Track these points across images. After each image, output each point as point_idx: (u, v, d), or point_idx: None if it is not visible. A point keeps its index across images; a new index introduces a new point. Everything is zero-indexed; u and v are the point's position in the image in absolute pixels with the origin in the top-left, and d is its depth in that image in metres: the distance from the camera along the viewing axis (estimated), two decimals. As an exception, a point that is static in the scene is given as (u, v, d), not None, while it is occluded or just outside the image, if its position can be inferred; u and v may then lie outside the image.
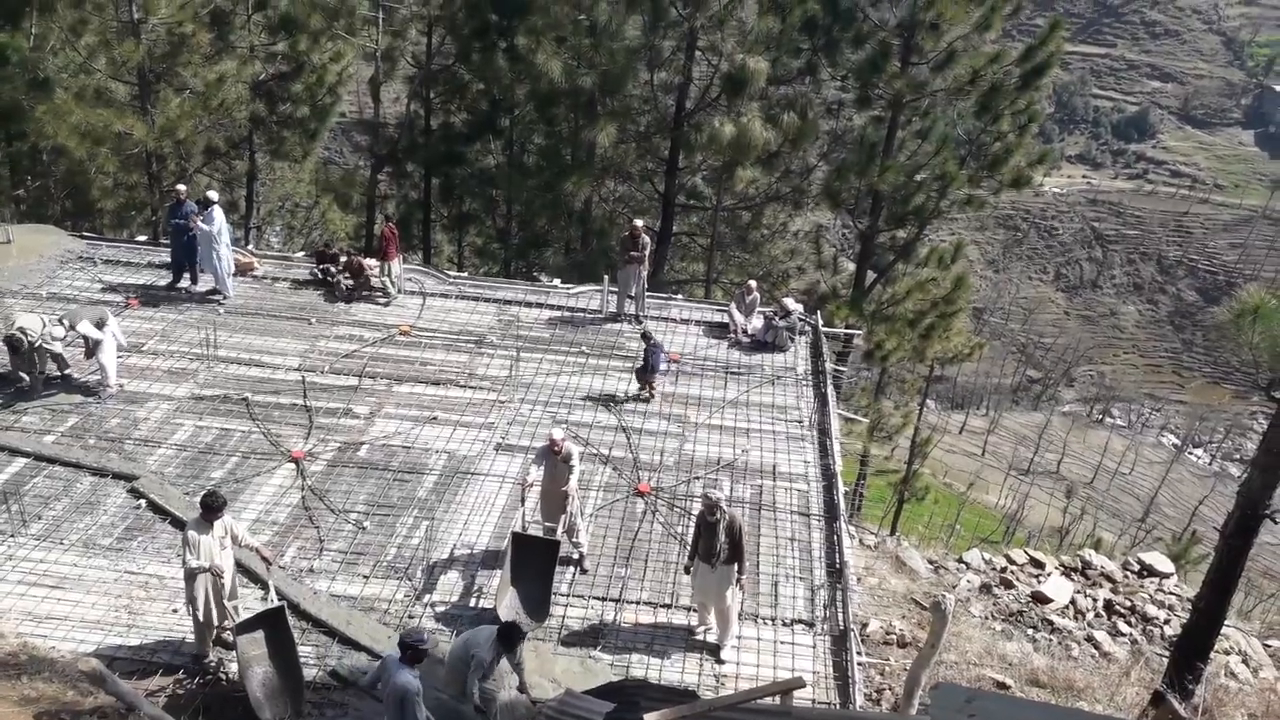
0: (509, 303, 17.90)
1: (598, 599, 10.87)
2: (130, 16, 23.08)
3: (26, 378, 13.66)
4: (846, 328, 20.97)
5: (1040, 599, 16.67)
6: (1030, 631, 15.43)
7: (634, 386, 15.11)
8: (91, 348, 13.68)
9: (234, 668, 9.14)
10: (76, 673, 8.04)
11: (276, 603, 9.34)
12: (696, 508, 12.12)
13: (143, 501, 11.78)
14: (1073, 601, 16.86)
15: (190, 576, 9.03)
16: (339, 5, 25.54)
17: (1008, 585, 17.25)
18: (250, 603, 9.74)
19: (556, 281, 19.78)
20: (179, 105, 23.96)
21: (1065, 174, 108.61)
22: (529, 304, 17.92)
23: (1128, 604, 16.92)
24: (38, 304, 15.83)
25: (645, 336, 15.21)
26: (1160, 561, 19.08)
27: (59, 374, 14.03)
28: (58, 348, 13.73)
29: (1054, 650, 14.54)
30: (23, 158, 27.97)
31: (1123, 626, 16.26)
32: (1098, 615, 16.65)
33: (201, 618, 9.18)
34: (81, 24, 24.08)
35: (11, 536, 11.06)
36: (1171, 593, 17.67)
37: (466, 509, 12.27)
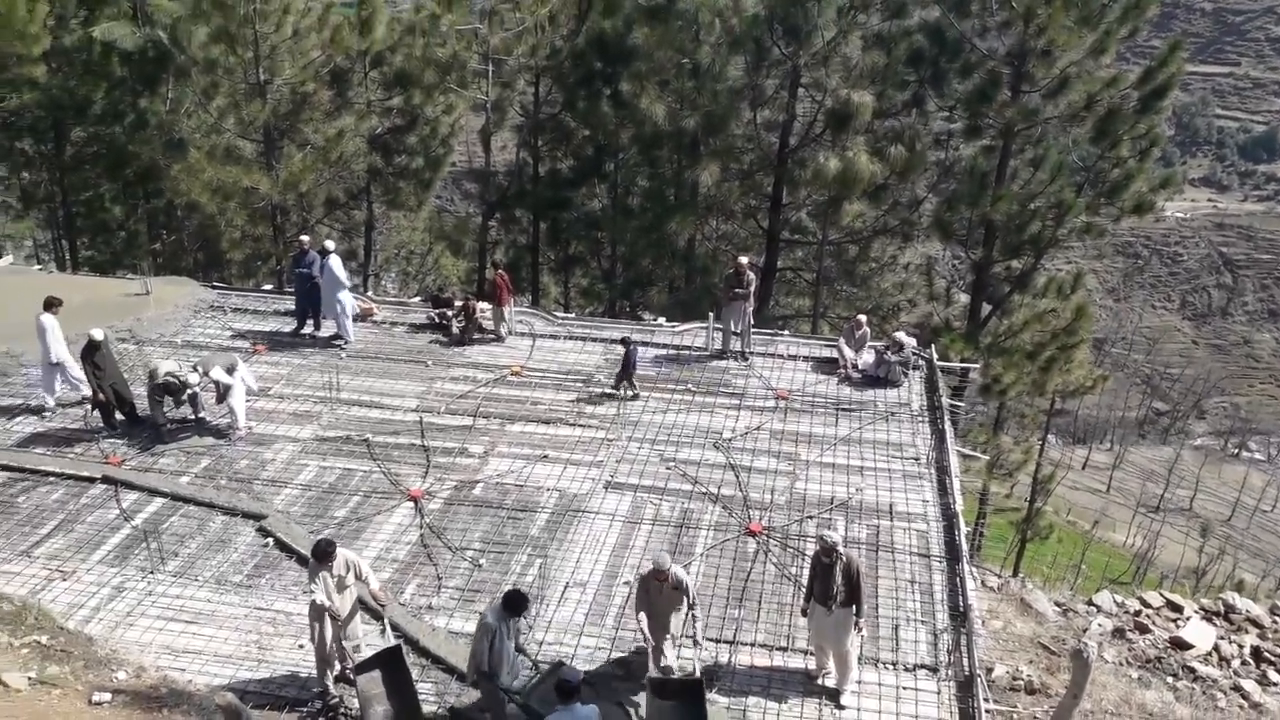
0: (616, 342, 18.03)
1: (711, 640, 10.72)
2: (257, 78, 24.45)
3: (167, 420, 14.41)
4: (962, 361, 20.40)
5: (1179, 644, 15.71)
6: (1170, 679, 14.55)
7: (738, 421, 15.03)
8: (222, 393, 14.35)
9: (355, 704, 9.33)
10: (213, 706, 8.34)
11: (394, 641, 9.52)
12: (810, 548, 11.92)
13: (270, 540, 12.22)
14: (1216, 648, 15.83)
15: (314, 612, 9.31)
16: (451, 60, 26.52)
17: (1143, 630, 16.32)
18: (373, 638, 9.96)
19: (661, 320, 19.88)
20: (301, 160, 25.18)
21: (1189, 198, 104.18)
22: (635, 343, 18.00)
23: (1278, 651, 15.80)
24: (173, 351, 16.73)
25: (624, 341, 16.02)
26: (1313, 606, 17.78)
27: (194, 417, 14.75)
28: (196, 390, 14.47)
29: (1198, 700, 13.67)
30: (159, 214, 29.87)
31: (1273, 675, 15.17)
32: (1244, 663, 15.59)
33: (321, 654, 9.43)
34: (213, 87, 25.66)
35: (151, 573, 11.60)
36: (1327, 640, 16.43)
37: (578, 546, 12.33)
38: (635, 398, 15.95)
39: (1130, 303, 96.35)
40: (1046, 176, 21.42)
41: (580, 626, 10.95)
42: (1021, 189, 21.90)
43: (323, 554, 9.34)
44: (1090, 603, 18.00)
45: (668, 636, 9.72)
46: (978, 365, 21.31)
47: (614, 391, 16.03)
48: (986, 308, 24.21)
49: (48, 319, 14.87)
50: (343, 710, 9.55)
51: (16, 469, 13.54)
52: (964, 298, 26.57)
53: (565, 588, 11.56)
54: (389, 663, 9.28)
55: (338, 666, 9.65)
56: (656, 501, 13.25)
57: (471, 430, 14.91)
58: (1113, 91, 20.80)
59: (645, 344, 17.66)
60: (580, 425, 15.15)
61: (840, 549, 9.67)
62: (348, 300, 17.54)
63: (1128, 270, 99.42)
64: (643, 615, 9.56)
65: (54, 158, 28.90)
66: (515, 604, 8.95)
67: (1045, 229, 21.98)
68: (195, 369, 14.35)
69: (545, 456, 14.26)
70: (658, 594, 9.55)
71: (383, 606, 9.96)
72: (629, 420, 15.29)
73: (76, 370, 14.81)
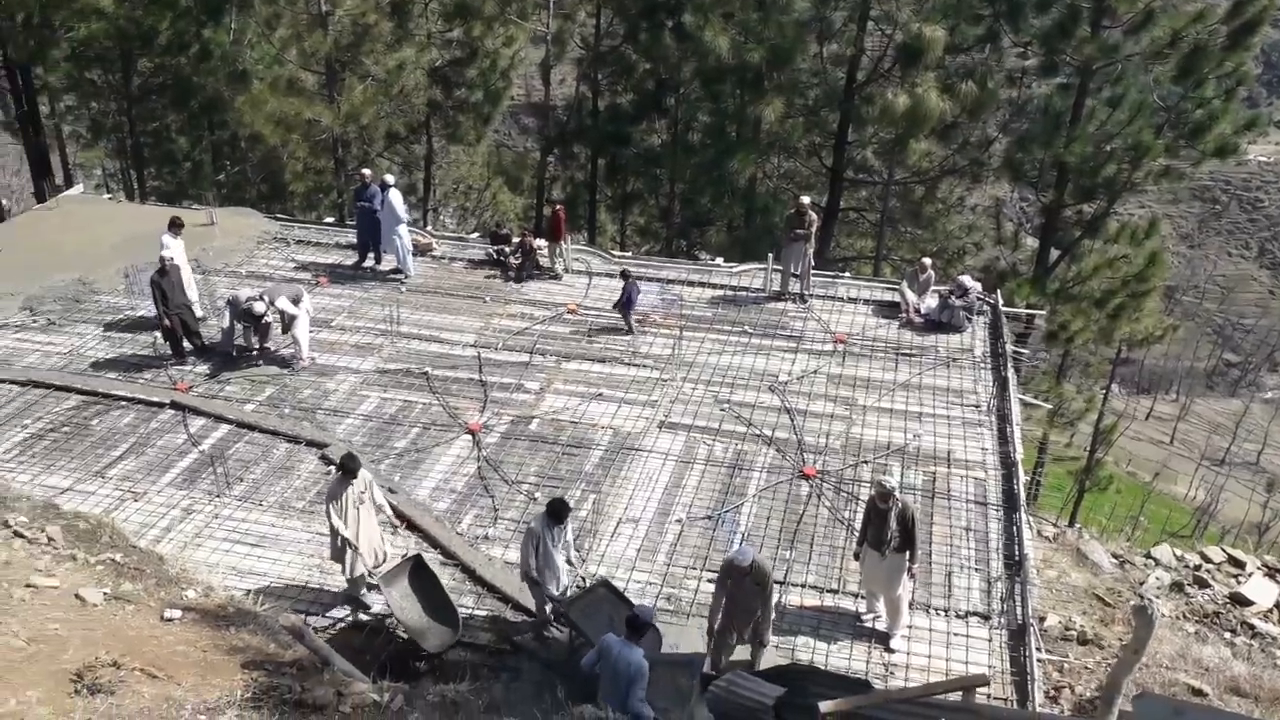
0: (672, 282, 17.95)
1: (763, 580, 10.76)
2: (319, 9, 24.38)
3: (250, 346, 14.90)
4: (1028, 307, 19.93)
5: (1239, 600, 15.41)
6: (1228, 635, 14.31)
7: (794, 364, 14.92)
8: (287, 323, 14.60)
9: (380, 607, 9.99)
10: (277, 626, 8.62)
11: (413, 553, 10.21)
12: (865, 493, 11.87)
13: (332, 468, 12.49)
14: (1278, 605, 15.52)
15: (334, 532, 9.90)
16: (512, -10, 26.16)
17: (1202, 584, 16.03)
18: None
19: (719, 260, 19.68)
20: (362, 92, 25.19)
21: (1274, 140, 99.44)
22: (692, 283, 17.91)
23: (1344, 611, 15.43)
24: (238, 281, 17.01)
25: (624, 274, 16.00)
26: (1383, 566, 17.27)
27: (259, 347, 15.05)
28: (270, 319, 14.79)
29: (1256, 657, 13.44)
30: (223, 145, 30.19)
31: (1337, 635, 14.84)
32: (1308, 622, 15.26)
33: (347, 571, 10.04)
34: (276, 18, 25.68)
35: (218, 496, 11.97)
36: (1396, 601, 15.98)
37: (631, 483, 12.42)
38: (629, 333, 15.86)
39: (1205, 249, 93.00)
40: (1125, 117, 20.59)
41: (632, 561, 11.08)
42: (1098, 130, 21.09)
43: (349, 470, 9.79)
44: (1149, 555, 17.70)
45: (743, 632, 9.24)
46: (1044, 312, 20.82)
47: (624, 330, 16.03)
48: (1055, 253, 23.56)
49: (169, 239, 15.25)
50: (398, 631, 9.85)
51: (90, 393, 13.99)
52: (1032, 242, 25.87)
53: (618, 523, 11.68)
54: (414, 570, 9.90)
55: (366, 577, 10.10)
56: (710, 442, 13.26)
57: (528, 367, 15.01)
58: (1199, 27, 19.84)
59: (646, 279, 17.52)
60: (635, 364, 15.15)
61: (896, 495, 9.60)
62: (407, 234, 17.63)
63: (1204, 215, 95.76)
64: (719, 605, 9.14)
65: (121, 88, 29.28)
66: (557, 512, 9.38)
67: (1121, 172, 21.22)
68: (262, 298, 14.61)
69: (600, 395, 14.31)
70: (738, 586, 9.05)
71: (395, 528, 10.62)
72: (684, 360, 15.25)
73: (194, 292, 15.56)
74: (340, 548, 9.98)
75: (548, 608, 9.84)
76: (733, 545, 11.31)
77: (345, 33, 25.73)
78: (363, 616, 10.18)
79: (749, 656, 9.45)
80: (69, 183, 29.37)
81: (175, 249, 15.36)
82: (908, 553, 9.66)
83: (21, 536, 9.17)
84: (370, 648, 9.63)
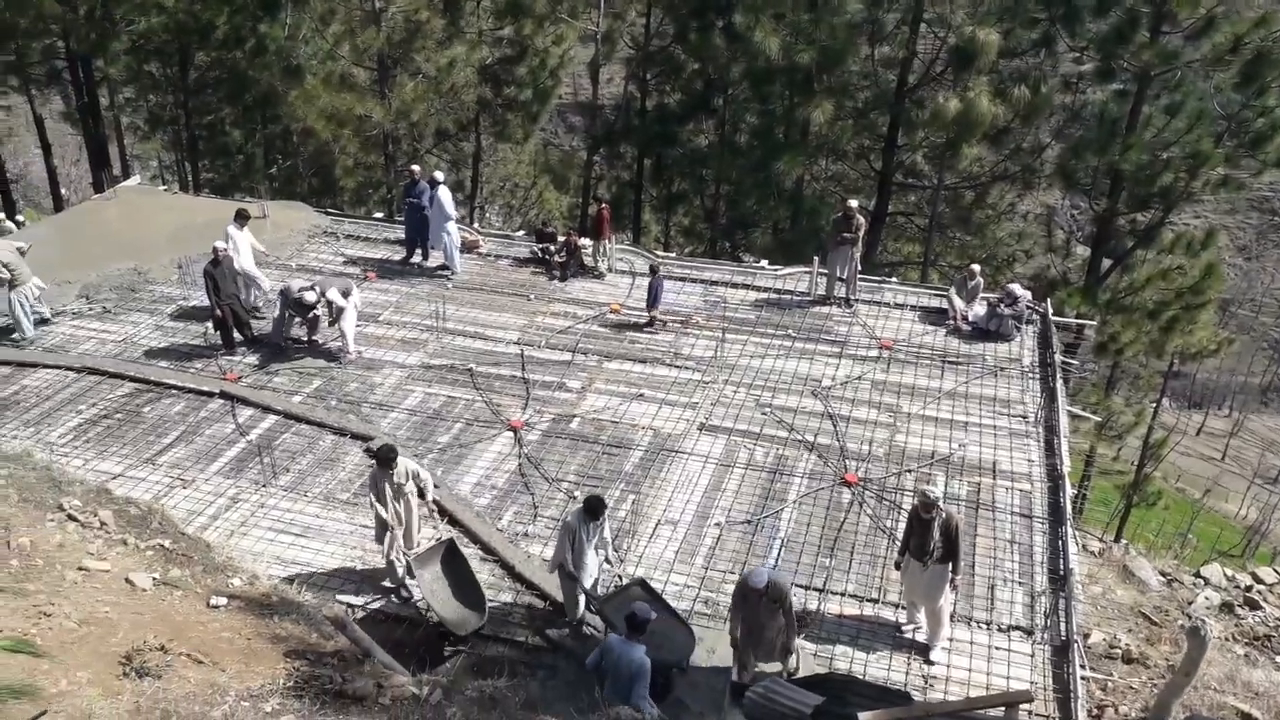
0: (715, 283, 17.89)
1: (801, 587, 10.71)
2: (373, 5, 24.64)
3: (300, 338, 15.16)
4: (1078, 317, 19.60)
5: (1293, 624, 15.02)
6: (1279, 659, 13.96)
7: (837, 370, 14.82)
8: (335, 315, 14.78)
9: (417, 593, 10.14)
10: (320, 617, 8.74)
11: (445, 537, 10.47)
12: (907, 502, 11.74)
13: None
14: (1333, 630, 15.09)
15: (377, 518, 10.08)
16: (563, -12, 26.27)
17: (1253, 606, 15.64)
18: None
19: (763, 262, 19.58)
20: (413, 89, 25.42)
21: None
22: (735, 285, 17.84)
23: (1401, 638, 14.97)
24: (288, 274, 17.25)
25: (653, 269, 16.12)
26: None
27: (307, 340, 15.25)
28: (320, 312, 14.99)
29: (1308, 683, 13.07)
30: (276, 139, 30.65)
31: (1394, 663, 14.40)
32: (1363, 648, 14.82)
33: (386, 556, 10.22)
34: (330, 13, 26.01)
35: (264, 486, 12.15)
36: None
37: (670, 485, 12.40)
38: (650, 323, 16.03)
39: (1263, 262, 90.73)
40: (1183, 125, 20.18)
41: (670, 563, 11.07)
42: (1154, 137, 20.69)
43: (385, 460, 9.88)
44: (1198, 574, 17.32)
45: (764, 649, 9.08)
46: (1094, 322, 20.47)
47: (645, 322, 16.17)
48: (1107, 262, 23.14)
49: (234, 230, 15.54)
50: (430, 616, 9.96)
51: (142, 380, 14.27)
52: (1083, 250, 25.44)
53: (656, 525, 11.67)
54: (448, 553, 10.11)
55: (404, 564, 10.24)
56: (750, 446, 13.20)
57: (570, 365, 15.05)
58: (1262, 33, 19.42)
59: (690, 280, 17.71)
60: (677, 366, 15.12)
61: (940, 505, 9.49)
62: (456, 231, 17.77)
63: (1262, 227, 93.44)
64: (737, 623, 9.03)
65: (179, 81, 29.85)
66: (593, 508, 9.52)
67: (1178, 181, 20.77)
68: (313, 288, 14.82)
69: (641, 395, 14.31)
70: (754, 606, 8.89)
71: (434, 518, 10.77)
72: (725, 363, 15.19)
73: (265, 283, 15.85)
74: (380, 532, 10.19)
75: (580, 602, 9.88)
76: (771, 551, 11.27)
77: (397, 29, 26.00)
78: (395, 600, 10.32)
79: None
80: (126, 173, 30.00)
81: (241, 240, 15.65)
82: (950, 564, 9.54)
83: (75, 520, 9.38)
84: (410, 640, 9.72)
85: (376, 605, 10.27)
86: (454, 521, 11.48)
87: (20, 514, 9.12)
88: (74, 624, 7.30)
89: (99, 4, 27.19)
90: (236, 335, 15.08)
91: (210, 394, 13.98)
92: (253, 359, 14.94)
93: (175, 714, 6.39)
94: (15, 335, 15.08)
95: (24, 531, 8.66)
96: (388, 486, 9.97)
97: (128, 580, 8.38)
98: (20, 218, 26.99)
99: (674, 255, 21.17)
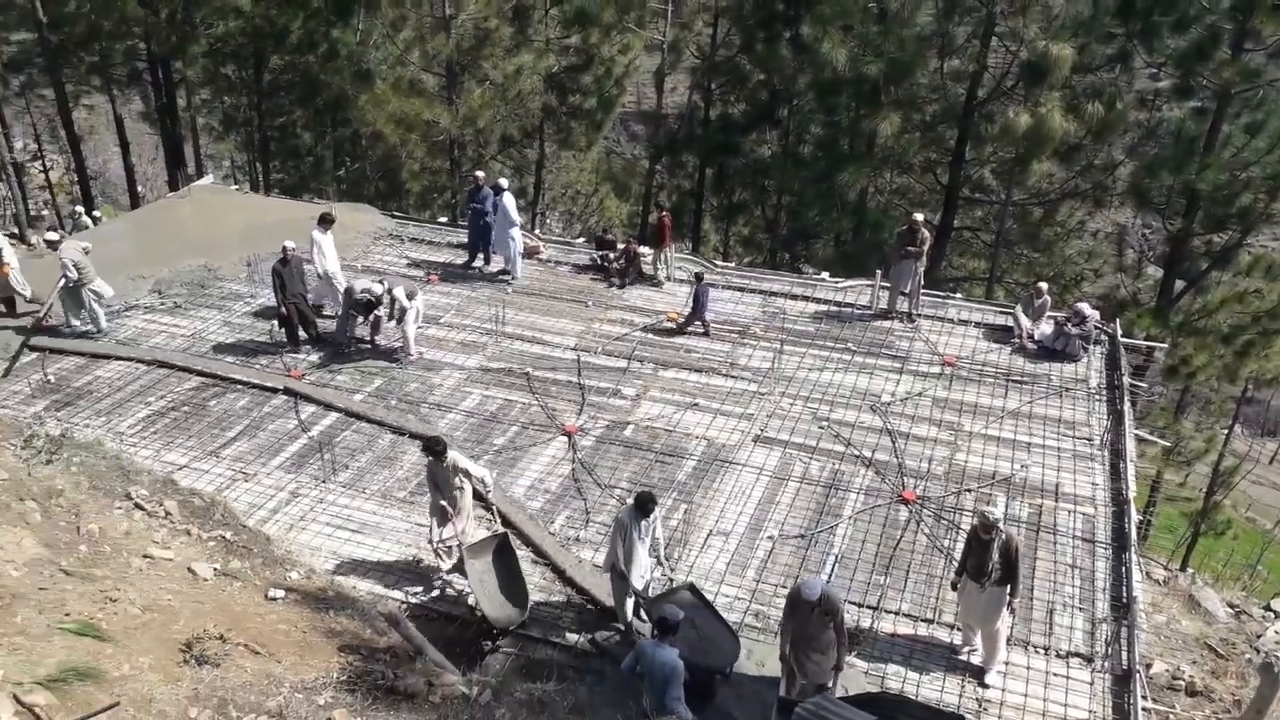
0: (774, 294, 17.79)
1: (854, 604, 10.57)
2: (443, 12, 25.01)
3: (364, 338, 15.40)
4: (1148, 339, 19.10)
5: (1370, 665, 14.41)
6: (1354, 701, 13.39)
7: (898, 385, 14.60)
8: (399, 314, 14.99)
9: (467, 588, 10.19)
10: (374, 613, 8.84)
11: (500, 529, 10.48)
12: (966, 521, 11.53)
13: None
14: None
15: (434, 509, 10.30)
16: (631, -1, 26.40)
17: (1327, 643, 15.06)
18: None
19: (824, 274, 19.40)
20: (480, 95, 25.75)
21: None
22: (795, 296, 17.72)
23: None
24: (354, 275, 17.54)
25: (698, 278, 16.27)
26: None
27: (369, 340, 15.49)
28: (382, 311, 15.22)
29: (1385, 726, 12.53)
30: (345, 142, 31.25)
31: None
32: None
33: (436, 545, 10.39)
34: (401, 20, 26.46)
35: (323, 482, 12.35)
36: None
37: (723, 496, 12.33)
38: (686, 325, 16.20)
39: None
40: (1264, 145, 19.58)
41: (721, 574, 10.99)
42: (1234, 157, 20.10)
43: (430, 450, 10.08)
44: (1268, 607, 16.76)
45: (813, 664, 8.73)
46: (1165, 344, 19.92)
47: (689, 328, 16.25)
48: (1180, 284, 22.52)
49: (318, 234, 15.88)
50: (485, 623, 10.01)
51: (209, 375, 14.62)
52: (1154, 271, 24.78)
53: (708, 535, 11.61)
54: (499, 548, 10.16)
55: (454, 557, 10.36)
56: (806, 460, 13.08)
57: (626, 373, 15.06)
58: (1352, 52, 18.75)
59: (718, 286, 17.59)
60: (732, 376, 15.06)
61: (1000, 527, 9.29)
62: (520, 237, 17.93)
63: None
64: (787, 637, 8.78)
65: (253, 84, 30.61)
66: (643, 504, 9.50)
67: (1257, 202, 20.18)
68: (381, 281, 15.09)
69: (696, 404, 14.26)
70: (805, 618, 8.63)
71: (488, 492, 10.74)
72: (782, 375, 15.08)
73: (343, 282, 16.04)
74: (432, 516, 10.44)
75: (629, 602, 9.87)
76: (825, 566, 11.13)
77: (467, 36, 26.36)
78: (450, 589, 10.48)
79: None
80: (200, 173, 30.82)
81: (326, 243, 15.94)
82: (1009, 586, 9.33)
83: (141, 509, 9.63)
84: (462, 640, 9.78)
85: (429, 602, 10.36)
86: (507, 523, 11.55)
87: (90, 501, 9.39)
88: (138, 610, 7.48)
89: (180, 7, 28.01)
90: (301, 333, 15.38)
91: (274, 390, 14.27)
92: (316, 357, 15.22)
93: (232, 702, 6.51)
94: (89, 328, 15.53)
95: (93, 518, 8.90)
96: (440, 476, 10.21)
97: (190, 570, 8.57)
98: (98, 213, 27.94)
99: (733, 265, 21.10)
